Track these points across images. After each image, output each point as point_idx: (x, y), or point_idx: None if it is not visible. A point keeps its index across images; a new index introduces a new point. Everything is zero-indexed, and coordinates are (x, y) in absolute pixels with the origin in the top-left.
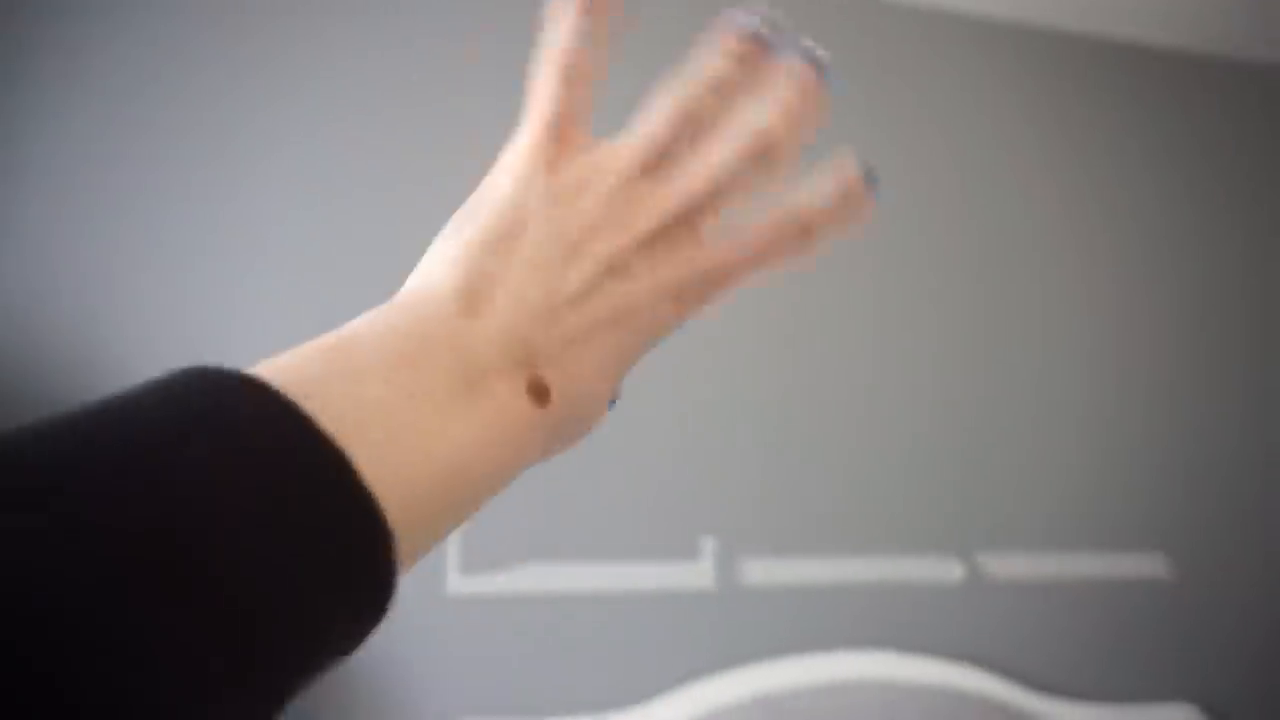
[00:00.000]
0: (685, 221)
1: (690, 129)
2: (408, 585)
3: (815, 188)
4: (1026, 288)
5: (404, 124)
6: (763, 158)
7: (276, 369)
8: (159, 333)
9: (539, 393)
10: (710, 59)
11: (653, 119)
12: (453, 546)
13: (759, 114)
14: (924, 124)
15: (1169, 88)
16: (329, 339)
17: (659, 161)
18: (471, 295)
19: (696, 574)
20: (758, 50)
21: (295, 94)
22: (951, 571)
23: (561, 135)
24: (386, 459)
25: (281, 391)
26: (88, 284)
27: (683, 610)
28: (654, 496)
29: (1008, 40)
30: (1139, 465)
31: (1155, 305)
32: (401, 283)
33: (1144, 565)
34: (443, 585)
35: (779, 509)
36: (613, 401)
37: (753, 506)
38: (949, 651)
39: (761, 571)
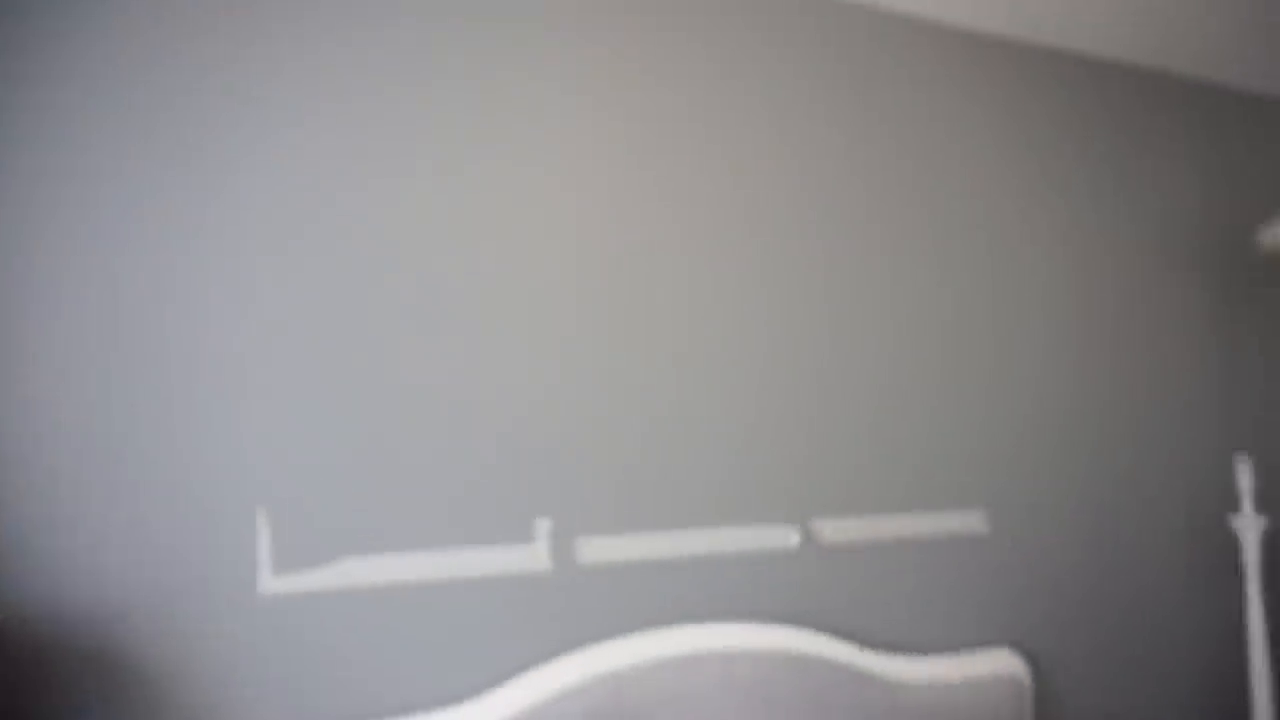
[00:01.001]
0: None
1: None
2: (216, 587)
3: None
4: (860, 269)
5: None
6: None
7: None
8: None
9: None
10: None
11: None
12: (264, 543)
13: None
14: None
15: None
16: None
17: None
18: None
19: (531, 557)
20: None
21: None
22: (789, 539)
23: None
24: None
25: None
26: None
27: (519, 595)
28: (484, 481)
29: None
30: (959, 429)
31: (973, 284)
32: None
33: (965, 521)
34: (253, 585)
35: (614, 487)
36: None
37: (587, 486)
38: (787, 618)
39: (598, 550)
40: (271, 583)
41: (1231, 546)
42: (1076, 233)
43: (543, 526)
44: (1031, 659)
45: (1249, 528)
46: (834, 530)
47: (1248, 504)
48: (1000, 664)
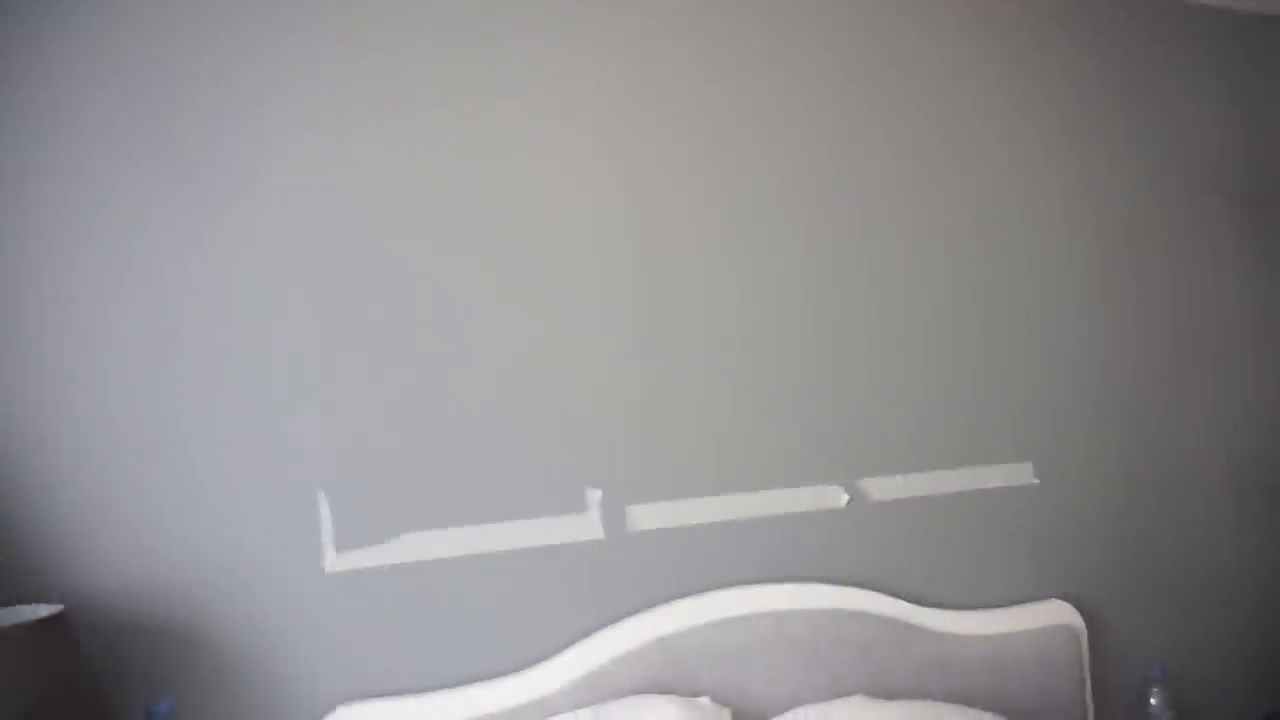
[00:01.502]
0: None
1: None
2: (282, 566)
3: None
4: (902, 229)
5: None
6: None
7: None
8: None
9: None
10: None
11: None
12: (326, 523)
13: None
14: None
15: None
16: None
17: None
18: None
19: (584, 526)
20: None
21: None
22: (837, 499)
23: None
24: None
25: None
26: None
27: (573, 564)
28: (535, 454)
29: None
30: (1005, 383)
31: (1015, 239)
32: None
33: (1014, 475)
34: (318, 563)
35: (663, 455)
36: None
37: (636, 455)
38: (837, 577)
39: (649, 517)
40: (335, 560)
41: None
42: (1118, 184)
43: (594, 496)
44: (1084, 608)
45: None
46: (882, 488)
47: None
48: (1054, 614)
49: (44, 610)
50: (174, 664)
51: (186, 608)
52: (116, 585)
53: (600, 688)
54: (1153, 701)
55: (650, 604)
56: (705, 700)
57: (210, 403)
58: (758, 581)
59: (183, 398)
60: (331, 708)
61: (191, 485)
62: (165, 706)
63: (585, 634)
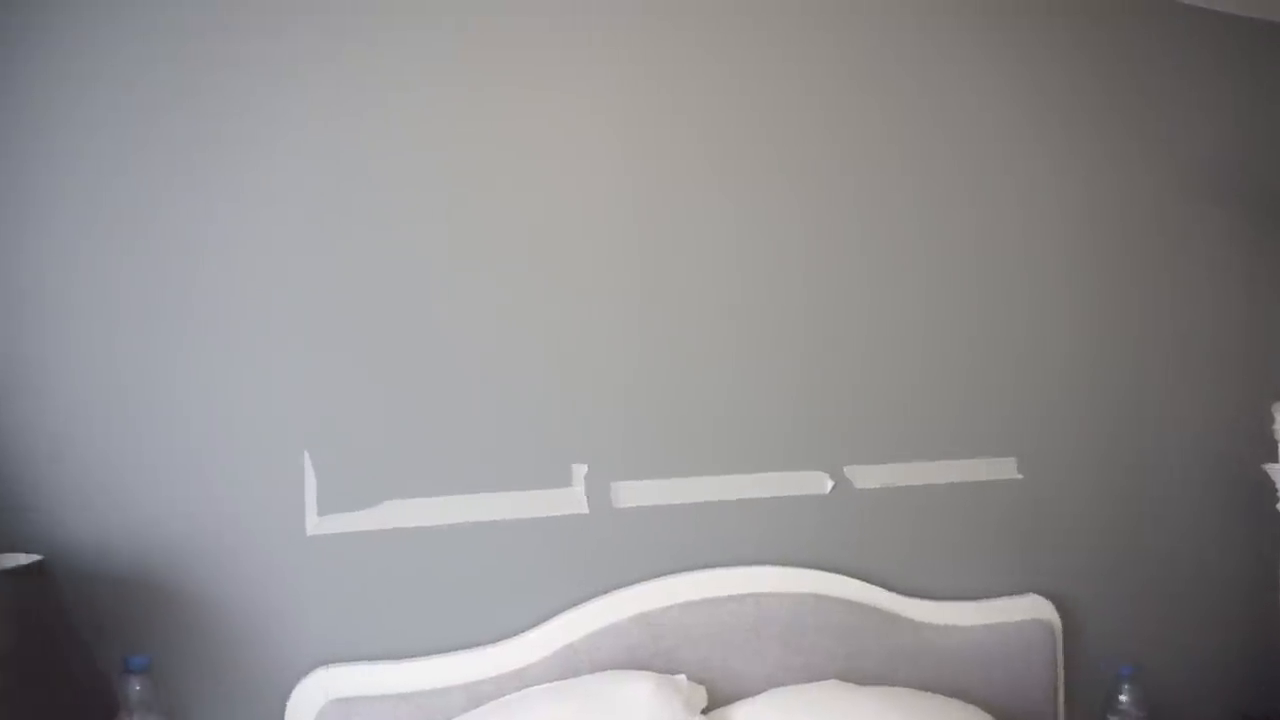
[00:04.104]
0: None
1: None
2: (265, 526)
3: None
4: (894, 220)
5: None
6: None
7: None
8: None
9: None
10: None
11: None
12: (310, 486)
13: None
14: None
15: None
16: None
17: None
18: None
19: (569, 501)
20: None
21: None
22: (822, 484)
23: None
24: None
25: None
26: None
27: (557, 538)
28: (522, 426)
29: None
30: (991, 376)
31: (1004, 231)
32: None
33: (997, 468)
34: (300, 526)
35: (650, 433)
36: None
37: (623, 432)
38: (820, 562)
39: (634, 494)
40: (318, 524)
41: (1264, 494)
42: (1107, 178)
43: (580, 471)
44: (1061, 605)
45: None
46: (867, 476)
47: None
48: (1031, 609)
49: (23, 559)
50: (153, 619)
51: (167, 563)
52: (98, 538)
53: (578, 661)
54: (1123, 699)
55: (632, 580)
56: (681, 678)
57: (199, 360)
58: (740, 563)
59: (172, 353)
60: (309, 670)
61: (177, 441)
62: (142, 661)
63: (566, 607)
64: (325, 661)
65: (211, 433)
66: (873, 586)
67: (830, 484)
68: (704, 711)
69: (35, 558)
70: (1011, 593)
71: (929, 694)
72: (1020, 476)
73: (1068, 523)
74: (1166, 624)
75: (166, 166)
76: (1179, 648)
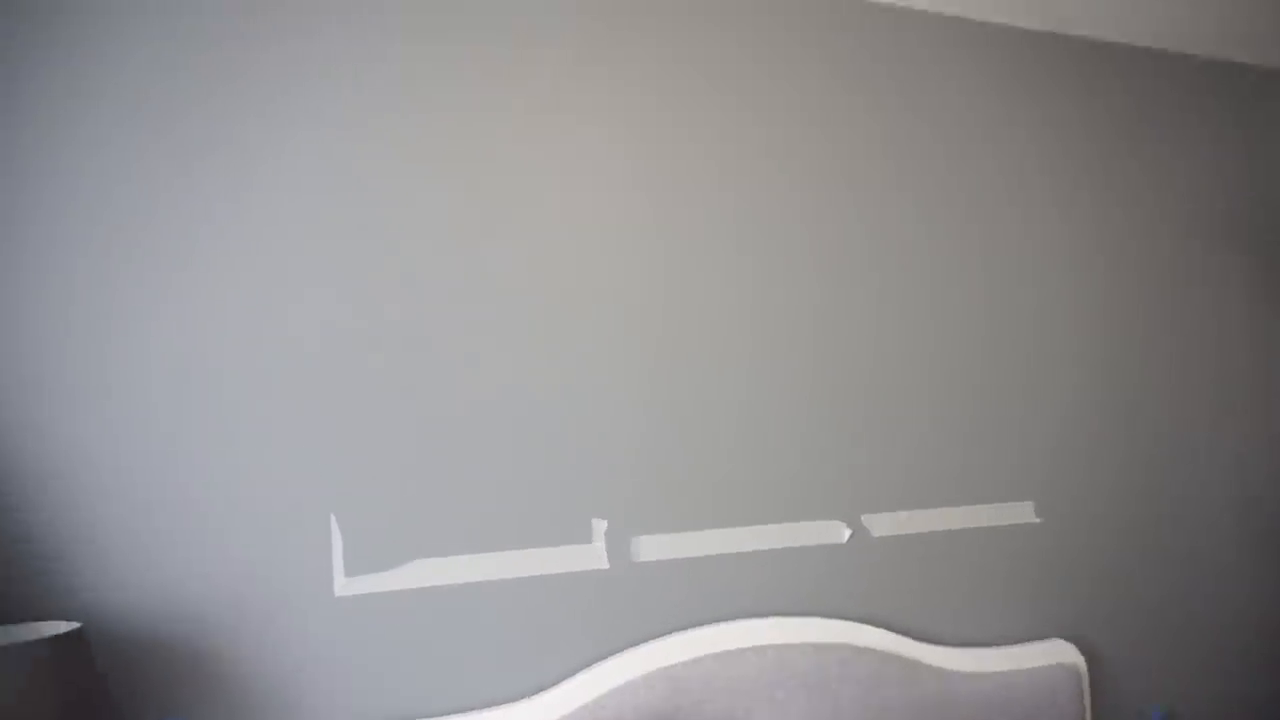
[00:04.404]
0: None
1: None
2: (294, 589)
3: None
4: (906, 267)
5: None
6: None
7: None
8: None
9: None
10: None
11: None
12: (337, 547)
13: None
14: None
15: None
16: None
17: None
18: None
19: (590, 556)
20: None
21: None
22: (839, 534)
23: None
24: None
25: None
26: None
27: (579, 593)
28: (543, 484)
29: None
30: (1007, 421)
31: (1017, 277)
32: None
33: (1015, 513)
34: (329, 587)
35: (668, 487)
36: None
37: (642, 487)
38: (839, 612)
39: (654, 548)
40: (346, 584)
41: None
42: (1118, 222)
43: (600, 527)
44: (1087, 649)
45: None
46: (884, 524)
47: None
48: (1056, 653)
49: (63, 627)
50: (185, 683)
51: (199, 628)
52: (131, 604)
53: (602, 716)
54: None
55: (654, 634)
56: None
57: (224, 426)
58: (761, 614)
59: (197, 421)
60: None
61: (205, 507)
62: None
63: (589, 662)
64: None
65: (240, 498)
66: (895, 635)
67: (848, 533)
68: None
69: (74, 625)
70: (1035, 638)
71: None
72: (1038, 520)
73: (1089, 566)
74: (1197, 666)
75: (193, 220)
76: (1210, 691)
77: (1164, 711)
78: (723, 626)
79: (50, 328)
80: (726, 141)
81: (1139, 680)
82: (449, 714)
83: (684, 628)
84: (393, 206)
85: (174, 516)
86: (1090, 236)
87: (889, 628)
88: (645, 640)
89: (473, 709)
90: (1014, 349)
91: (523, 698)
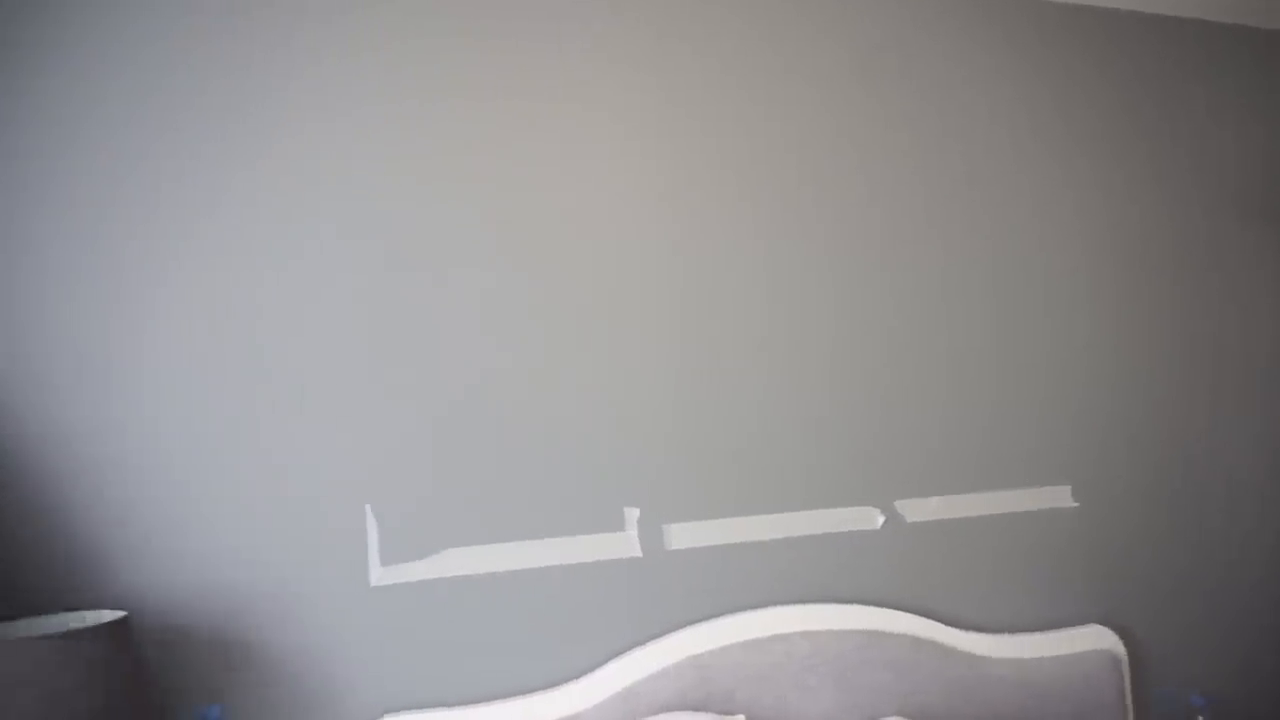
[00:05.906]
0: None
1: None
2: (330, 578)
3: None
4: (937, 251)
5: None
6: None
7: None
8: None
9: None
10: None
11: None
12: (372, 538)
13: None
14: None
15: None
16: None
17: None
18: None
19: (622, 544)
20: None
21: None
22: (873, 520)
23: None
24: None
25: None
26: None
27: (611, 581)
28: (575, 473)
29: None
30: (1043, 405)
31: (1056, 259)
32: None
33: (1052, 497)
34: (364, 576)
35: (700, 475)
36: None
37: (674, 475)
38: (873, 598)
39: (686, 536)
40: (381, 574)
41: None
42: (1146, 198)
43: (632, 515)
44: (1127, 634)
45: None
46: (918, 510)
47: None
48: (1095, 639)
49: (109, 615)
50: (223, 671)
51: (237, 617)
52: (172, 594)
53: (635, 704)
54: None
55: (686, 622)
56: (740, 718)
57: (262, 420)
58: (793, 601)
59: (236, 416)
60: (375, 717)
61: (244, 499)
62: (215, 712)
63: (622, 650)
64: (390, 709)
65: (275, 488)
66: (928, 621)
67: (881, 519)
68: None
69: (120, 613)
70: (1073, 623)
71: None
72: (1076, 504)
73: (1128, 550)
74: (1239, 651)
75: (236, 226)
76: (1254, 676)
77: (1207, 699)
78: (755, 613)
79: (89, 321)
80: (752, 136)
81: (1180, 666)
82: (481, 701)
83: (717, 615)
84: (427, 209)
85: (213, 508)
86: (1119, 215)
87: (922, 614)
88: (677, 628)
89: (505, 697)
90: (1050, 333)
91: (555, 686)
